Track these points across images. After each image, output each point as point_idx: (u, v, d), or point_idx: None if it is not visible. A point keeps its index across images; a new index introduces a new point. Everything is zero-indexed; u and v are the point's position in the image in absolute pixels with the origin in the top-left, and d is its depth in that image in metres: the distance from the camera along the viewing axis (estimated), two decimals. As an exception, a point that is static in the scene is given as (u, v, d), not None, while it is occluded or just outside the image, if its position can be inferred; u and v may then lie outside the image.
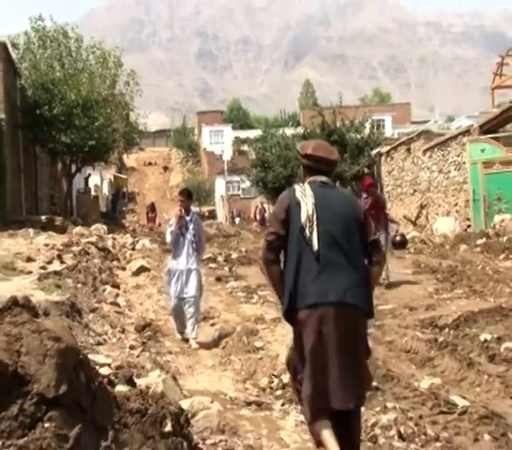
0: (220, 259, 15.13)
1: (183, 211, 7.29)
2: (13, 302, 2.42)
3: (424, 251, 14.86)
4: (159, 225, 32.01)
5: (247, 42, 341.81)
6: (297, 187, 3.40)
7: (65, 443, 1.93)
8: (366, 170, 24.45)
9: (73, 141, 21.39)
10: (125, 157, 58.26)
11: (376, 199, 10.85)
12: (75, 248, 11.06)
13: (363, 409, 4.40)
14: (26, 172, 20.36)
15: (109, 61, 25.05)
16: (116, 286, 9.50)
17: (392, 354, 6.42)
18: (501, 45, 50.39)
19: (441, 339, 6.61)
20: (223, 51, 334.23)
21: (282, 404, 4.74)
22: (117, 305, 8.11)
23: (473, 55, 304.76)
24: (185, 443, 2.56)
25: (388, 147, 24.03)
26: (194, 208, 8.01)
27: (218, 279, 11.99)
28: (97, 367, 3.01)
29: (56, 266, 8.79)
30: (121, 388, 2.88)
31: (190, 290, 7.20)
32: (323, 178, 3.43)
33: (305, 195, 3.32)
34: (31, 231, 13.89)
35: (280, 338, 6.61)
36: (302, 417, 3.84)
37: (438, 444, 4.00)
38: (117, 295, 8.77)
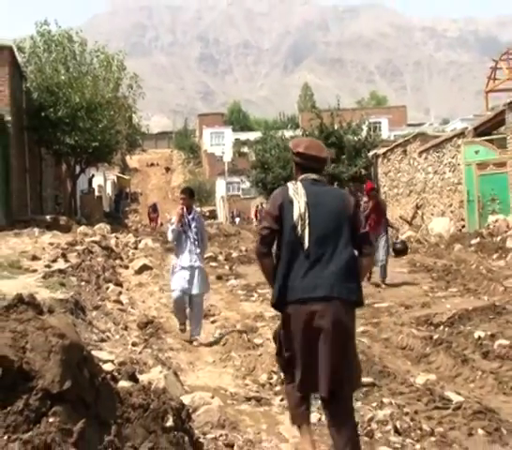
0: (221, 258, 15.23)
1: (185, 209, 7.25)
2: (19, 299, 2.43)
3: (419, 251, 14.91)
4: (161, 225, 31.82)
5: (247, 47, 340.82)
6: (290, 186, 3.44)
7: (69, 438, 1.95)
8: (363, 171, 24.58)
9: (77, 142, 21.35)
10: (128, 158, 58.20)
11: (377, 203, 10.97)
12: (79, 247, 11.01)
13: (360, 404, 4.53)
14: (32, 172, 20.37)
15: (112, 65, 25.23)
16: (119, 284, 9.48)
17: (388, 351, 6.49)
18: (494, 49, 50.63)
19: (436, 337, 6.66)
20: (224, 55, 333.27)
21: (281, 399, 4.75)
22: (120, 302, 8.07)
23: (467, 60, 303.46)
24: (186, 438, 2.59)
25: (385, 149, 24.07)
26: (196, 208, 8.27)
27: (219, 278, 12.04)
28: (101, 364, 3.05)
29: (61, 265, 8.77)
30: (124, 384, 2.90)
31: (194, 288, 7.13)
32: (315, 176, 3.49)
33: (297, 193, 3.36)
34: (36, 230, 13.86)
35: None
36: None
37: (433, 439, 4.07)
38: (120, 293, 8.72)
